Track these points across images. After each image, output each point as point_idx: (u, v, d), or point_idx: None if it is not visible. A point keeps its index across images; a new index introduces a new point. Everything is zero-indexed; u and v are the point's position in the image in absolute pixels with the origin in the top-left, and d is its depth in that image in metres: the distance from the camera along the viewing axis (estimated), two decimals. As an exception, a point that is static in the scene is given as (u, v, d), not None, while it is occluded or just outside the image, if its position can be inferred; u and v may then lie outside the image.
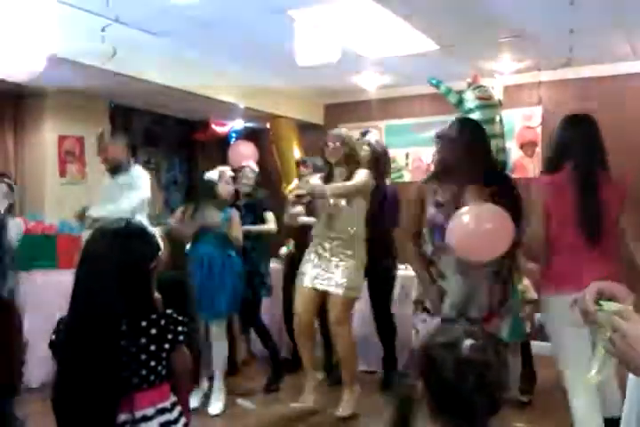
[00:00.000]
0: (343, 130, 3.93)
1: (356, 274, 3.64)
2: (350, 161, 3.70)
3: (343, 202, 3.67)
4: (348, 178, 3.65)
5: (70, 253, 3.99)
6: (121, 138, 4.47)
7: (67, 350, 1.67)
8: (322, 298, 3.68)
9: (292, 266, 4.18)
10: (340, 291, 3.59)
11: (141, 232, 1.79)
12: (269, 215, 4.48)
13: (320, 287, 3.64)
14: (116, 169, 4.36)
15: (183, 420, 1.76)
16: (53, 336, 1.73)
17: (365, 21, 4.19)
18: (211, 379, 3.94)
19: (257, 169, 4.65)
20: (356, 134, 6.15)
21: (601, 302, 1.10)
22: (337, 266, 3.62)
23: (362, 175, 3.64)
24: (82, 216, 4.13)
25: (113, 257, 1.66)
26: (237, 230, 3.95)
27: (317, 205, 3.78)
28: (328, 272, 3.63)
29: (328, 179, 3.76)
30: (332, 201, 3.69)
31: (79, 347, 1.63)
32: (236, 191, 4.30)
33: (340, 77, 5.67)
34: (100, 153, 4.51)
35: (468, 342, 1.20)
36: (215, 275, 3.81)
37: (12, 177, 4.58)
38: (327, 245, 3.67)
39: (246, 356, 4.99)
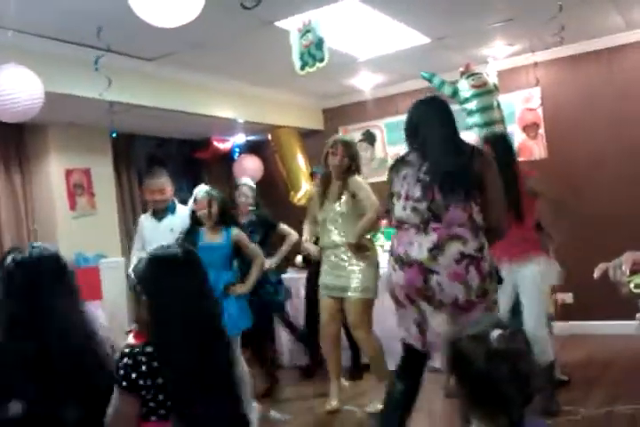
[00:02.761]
0: (341, 135, 3.93)
1: (369, 276, 3.62)
2: (346, 168, 3.68)
3: (344, 209, 3.66)
4: (343, 188, 3.63)
5: (88, 285, 3.98)
6: (167, 177, 4.28)
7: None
8: (341, 305, 3.69)
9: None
10: (354, 294, 3.60)
11: (196, 255, 1.85)
12: (284, 228, 4.45)
13: (336, 295, 3.67)
14: (163, 211, 4.22)
15: None
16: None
17: (354, 23, 4.19)
18: None
19: (254, 185, 4.52)
20: (357, 136, 6.19)
21: (629, 279, 1.20)
22: (350, 270, 3.62)
23: (370, 200, 3.57)
24: None
25: (192, 283, 1.75)
26: (255, 251, 3.70)
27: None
28: (342, 278, 3.63)
29: (324, 192, 3.74)
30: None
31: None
32: (236, 209, 4.22)
33: (335, 81, 5.67)
34: (148, 195, 4.29)
35: (496, 333, 1.18)
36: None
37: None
38: (337, 252, 3.68)
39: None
